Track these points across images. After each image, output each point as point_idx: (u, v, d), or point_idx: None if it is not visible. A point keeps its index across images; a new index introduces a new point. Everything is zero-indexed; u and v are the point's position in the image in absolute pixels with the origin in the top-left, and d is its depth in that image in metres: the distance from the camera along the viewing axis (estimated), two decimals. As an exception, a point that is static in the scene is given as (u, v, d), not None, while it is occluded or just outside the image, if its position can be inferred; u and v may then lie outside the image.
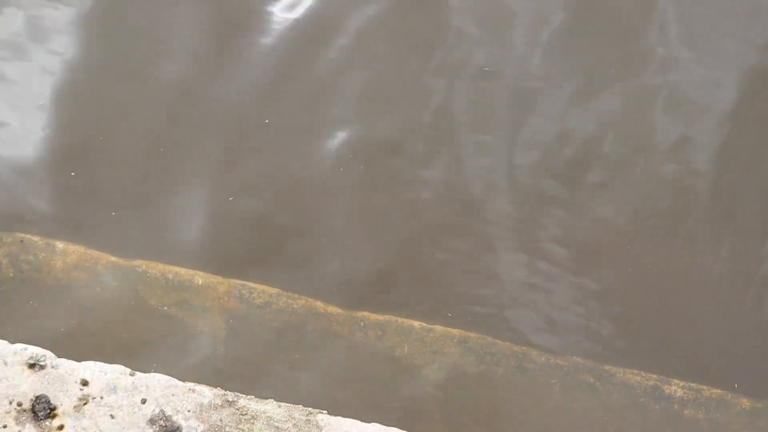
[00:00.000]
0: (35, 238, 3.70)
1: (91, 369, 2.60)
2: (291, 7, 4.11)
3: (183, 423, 2.55)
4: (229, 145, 3.92)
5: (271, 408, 2.63)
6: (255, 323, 3.63)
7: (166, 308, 3.61)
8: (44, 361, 2.57)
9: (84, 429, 2.51)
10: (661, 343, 3.78)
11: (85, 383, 2.57)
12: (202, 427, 2.56)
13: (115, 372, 2.61)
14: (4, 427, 2.46)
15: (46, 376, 2.55)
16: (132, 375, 2.61)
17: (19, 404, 2.50)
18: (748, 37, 4.19)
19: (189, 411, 2.58)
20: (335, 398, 3.52)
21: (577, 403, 3.64)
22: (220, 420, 2.57)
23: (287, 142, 3.96)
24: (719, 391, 3.71)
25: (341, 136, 3.95)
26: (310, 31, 4.10)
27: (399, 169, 3.96)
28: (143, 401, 2.57)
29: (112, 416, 2.53)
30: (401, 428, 2.67)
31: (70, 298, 3.59)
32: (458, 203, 3.93)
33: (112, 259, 3.70)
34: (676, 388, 3.69)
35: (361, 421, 2.66)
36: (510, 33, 4.16)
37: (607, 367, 3.71)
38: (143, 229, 3.79)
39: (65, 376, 2.57)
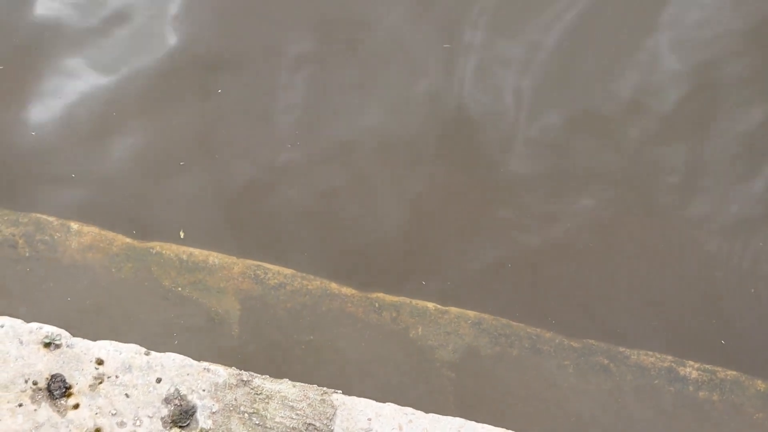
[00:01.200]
0: (50, 219, 3.71)
1: (106, 348, 2.60)
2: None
3: (198, 402, 2.56)
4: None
5: (285, 387, 2.63)
6: (270, 304, 3.64)
7: (180, 289, 3.62)
8: (59, 340, 2.57)
9: (99, 408, 2.51)
10: (675, 324, 3.78)
11: (100, 362, 2.57)
12: (217, 406, 2.56)
13: (130, 351, 2.61)
14: (20, 405, 2.47)
15: (62, 355, 2.56)
16: (147, 354, 2.62)
17: (35, 383, 2.51)
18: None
19: (204, 390, 2.58)
20: (350, 378, 3.52)
21: (591, 385, 3.63)
22: (235, 399, 2.58)
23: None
24: (734, 372, 3.70)
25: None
26: None
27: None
28: (158, 380, 2.57)
29: (127, 395, 2.54)
30: (416, 408, 2.67)
31: (85, 279, 3.60)
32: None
33: (127, 240, 3.70)
34: (690, 369, 3.67)
35: (376, 401, 2.66)
36: None
37: (621, 349, 3.71)
38: (155, 210, 3.80)
39: (80, 355, 2.57)
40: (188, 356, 2.65)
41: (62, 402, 2.50)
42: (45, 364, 2.54)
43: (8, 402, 2.47)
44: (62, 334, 2.60)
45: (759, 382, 3.69)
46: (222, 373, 2.62)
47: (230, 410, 2.56)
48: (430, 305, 3.71)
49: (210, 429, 2.53)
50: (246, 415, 2.56)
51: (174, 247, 3.71)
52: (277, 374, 2.70)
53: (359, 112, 3.99)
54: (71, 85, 3.92)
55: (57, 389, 2.51)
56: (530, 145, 3.98)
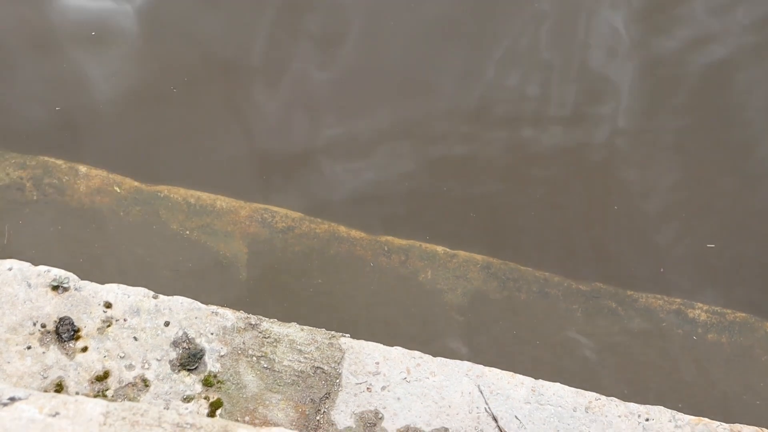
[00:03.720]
0: (58, 162, 3.69)
1: (114, 291, 2.60)
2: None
3: (206, 346, 2.56)
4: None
5: (293, 331, 2.63)
6: (277, 247, 3.63)
7: (188, 232, 3.62)
8: (67, 283, 2.57)
9: (108, 351, 2.52)
10: (684, 266, 3.77)
11: (108, 306, 2.57)
12: (225, 349, 2.57)
13: (138, 295, 2.61)
14: (29, 348, 2.48)
15: (70, 299, 2.56)
16: (155, 298, 2.62)
17: (43, 326, 2.51)
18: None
19: (212, 334, 2.58)
20: (358, 322, 3.53)
21: (599, 328, 3.63)
22: (243, 343, 2.58)
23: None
24: (743, 314, 3.69)
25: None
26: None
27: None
28: (166, 324, 2.57)
29: (135, 338, 2.54)
30: (423, 352, 2.67)
31: (93, 222, 3.60)
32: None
33: (135, 183, 3.69)
34: (699, 312, 3.67)
35: (384, 344, 2.67)
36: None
37: (629, 292, 3.70)
38: (166, 154, 3.78)
39: (89, 299, 2.57)
40: (196, 300, 2.65)
41: (71, 345, 2.51)
42: (53, 307, 2.54)
43: (17, 344, 2.48)
44: (70, 277, 2.60)
45: (768, 324, 3.69)
46: (230, 316, 2.62)
47: (238, 354, 2.57)
48: (439, 249, 3.70)
49: (218, 372, 2.54)
50: (254, 358, 2.57)
51: (182, 190, 3.70)
52: (285, 318, 2.70)
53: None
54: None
55: (65, 332, 2.51)
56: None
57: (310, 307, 3.54)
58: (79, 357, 2.50)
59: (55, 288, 2.56)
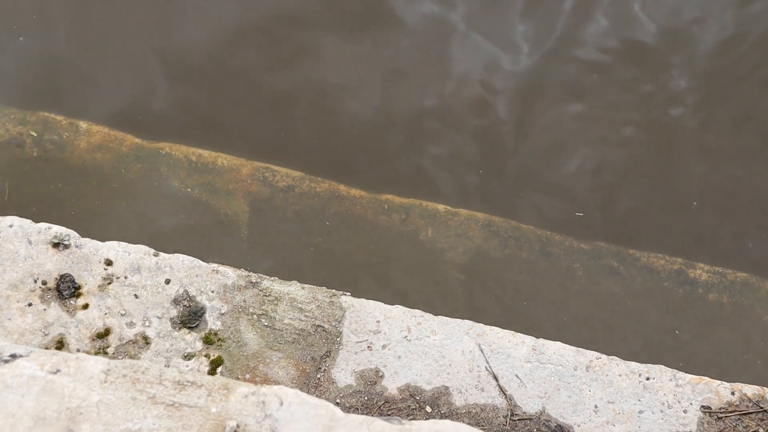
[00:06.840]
0: (59, 118, 3.67)
1: (114, 249, 2.60)
2: None
3: (207, 304, 2.56)
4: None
5: (294, 289, 2.63)
6: (278, 206, 3.62)
7: (189, 190, 3.60)
8: (68, 240, 2.56)
9: (108, 308, 2.52)
10: (687, 226, 3.76)
11: (109, 263, 2.57)
12: (226, 307, 2.57)
13: (139, 252, 2.61)
14: (30, 305, 2.48)
15: (71, 256, 2.56)
16: (156, 255, 2.61)
17: (44, 283, 2.51)
18: None
19: (213, 292, 2.58)
20: (359, 280, 3.53)
21: (600, 287, 3.63)
22: (244, 301, 2.58)
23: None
24: (744, 275, 3.69)
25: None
26: None
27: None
28: (167, 282, 2.57)
29: (136, 296, 2.54)
30: (425, 311, 2.67)
31: (94, 179, 3.58)
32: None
33: (136, 140, 3.68)
34: (700, 272, 3.67)
35: (385, 303, 2.66)
36: None
37: (631, 251, 3.69)
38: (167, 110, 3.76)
39: (89, 256, 2.57)
40: (197, 258, 2.64)
41: (71, 302, 2.51)
42: (54, 264, 2.54)
43: (18, 301, 2.48)
44: (71, 235, 2.59)
45: (768, 284, 3.69)
46: (231, 274, 2.62)
47: (239, 312, 2.57)
48: (440, 207, 3.69)
49: (219, 330, 2.54)
50: (255, 316, 2.57)
51: (183, 147, 3.68)
52: (286, 276, 2.69)
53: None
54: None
55: (66, 289, 2.51)
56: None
57: (311, 266, 3.54)
58: (80, 314, 2.51)
59: (55, 245, 2.56)
